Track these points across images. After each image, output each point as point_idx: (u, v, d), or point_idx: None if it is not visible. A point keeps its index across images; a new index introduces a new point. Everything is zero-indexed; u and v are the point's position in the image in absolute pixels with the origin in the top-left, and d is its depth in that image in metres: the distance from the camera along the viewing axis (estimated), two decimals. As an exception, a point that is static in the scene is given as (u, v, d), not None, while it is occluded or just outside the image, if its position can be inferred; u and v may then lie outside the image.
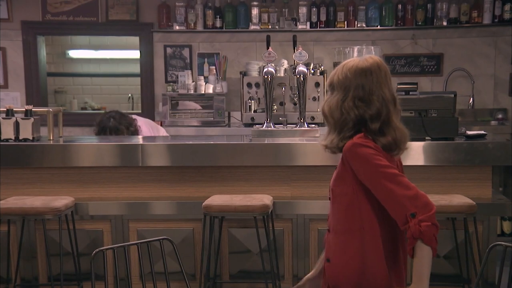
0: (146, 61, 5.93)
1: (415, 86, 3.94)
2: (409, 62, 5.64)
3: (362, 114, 1.99)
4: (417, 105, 3.49)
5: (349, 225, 2.01)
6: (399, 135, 2.02)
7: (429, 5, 5.45)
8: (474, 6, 5.40)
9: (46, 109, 3.90)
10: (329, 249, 2.07)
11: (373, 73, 2.01)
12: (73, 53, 7.39)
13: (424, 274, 1.86)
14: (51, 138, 3.82)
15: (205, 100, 5.50)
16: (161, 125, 5.47)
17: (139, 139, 3.92)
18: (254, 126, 4.06)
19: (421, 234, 1.85)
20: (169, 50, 5.90)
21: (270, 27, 5.58)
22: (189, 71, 5.68)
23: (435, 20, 5.47)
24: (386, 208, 1.95)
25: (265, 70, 3.91)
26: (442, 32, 5.55)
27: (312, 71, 5.21)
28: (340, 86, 2.02)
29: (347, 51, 5.64)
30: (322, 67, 5.34)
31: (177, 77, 5.68)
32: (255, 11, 5.59)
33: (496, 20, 5.35)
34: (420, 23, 5.48)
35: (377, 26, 5.52)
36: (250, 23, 5.60)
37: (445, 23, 5.44)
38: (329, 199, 2.11)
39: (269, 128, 3.89)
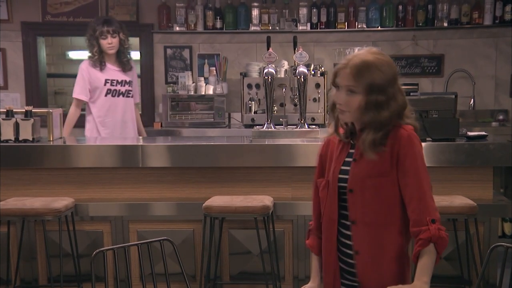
0: (146, 62, 5.92)
1: (416, 87, 3.96)
2: (410, 63, 5.63)
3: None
4: (418, 106, 3.46)
5: (386, 217, 2.01)
6: None
7: (429, 6, 5.44)
8: (475, 7, 5.39)
9: (46, 110, 3.90)
10: (358, 241, 2.03)
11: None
12: (73, 54, 7.37)
13: (429, 274, 1.91)
14: (51, 139, 3.82)
15: (205, 101, 5.49)
16: (161, 126, 5.47)
17: (139, 140, 3.92)
18: (255, 127, 4.06)
19: (439, 239, 1.92)
20: (169, 51, 5.90)
21: (270, 28, 5.57)
22: (189, 72, 5.68)
23: (435, 21, 5.46)
24: (408, 206, 1.98)
25: (265, 71, 3.90)
26: (442, 33, 5.55)
27: (313, 72, 5.20)
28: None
29: (347, 52, 5.63)
30: (322, 68, 5.33)
31: (177, 78, 5.66)
32: (255, 12, 5.58)
33: (497, 21, 5.34)
34: (420, 24, 5.47)
35: (378, 27, 5.51)
36: (251, 24, 5.60)
37: (445, 24, 5.43)
38: (348, 191, 2.04)
39: (270, 129, 3.89)
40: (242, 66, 5.56)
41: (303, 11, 5.51)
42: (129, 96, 4.58)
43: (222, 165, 3.59)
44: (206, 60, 5.75)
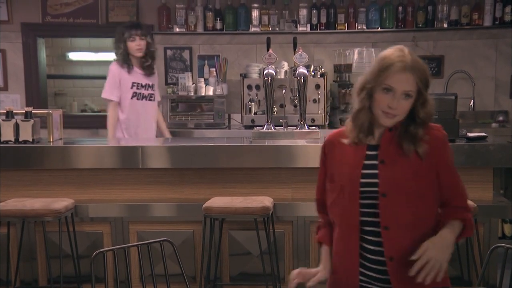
0: (146, 63, 5.91)
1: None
2: (410, 64, 5.61)
3: None
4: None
5: (422, 220, 1.98)
6: None
7: (429, 7, 5.43)
8: (475, 8, 5.39)
9: (46, 111, 3.90)
10: (391, 247, 1.94)
11: None
12: (73, 55, 7.38)
13: (455, 234, 1.99)
14: (51, 140, 3.82)
15: (205, 102, 5.49)
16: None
17: (139, 141, 3.91)
18: (255, 128, 4.06)
19: (470, 227, 2.02)
20: (169, 52, 5.90)
21: (270, 29, 5.57)
22: (189, 73, 5.67)
23: (435, 22, 5.45)
24: (447, 196, 2.01)
25: (265, 72, 3.91)
26: (442, 34, 5.54)
27: (313, 73, 5.20)
28: None
29: (347, 53, 5.65)
30: (322, 69, 5.33)
31: (177, 79, 5.66)
32: (255, 13, 5.58)
33: (497, 22, 5.34)
34: (420, 25, 5.47)
35: (378, 28, 5.51)
36: (250, 25, 5.60)
37: (445, 25, 5.43)
38: (381, 196, 1.94)
39: (270, 130, 3.89)
40: (242, 67, 5.56)
41: (303, 12, 5.51)
42: (151, 100, 4.63)
43: (222, 166, 3.59)
44: (206, 61, 5.75)
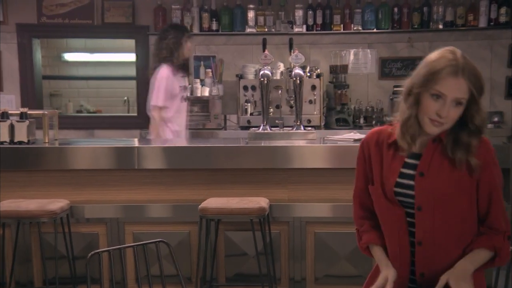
0: (142, 64, 5.90)
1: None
2: (406, 65, 5.63)
3: None
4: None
5: (459, 238, 1.87)
6: None
7: (425, 8, 5.45)
8: (470, 9, 5.41)
9: (42, 112, 3.89)
10: (422, 264, 1.87)
11: None
12: (69, 56, 7.37)
13: (475, 266, 1.86)
14: (47, 141, 3.80)
15: (202, 103, 5.49)
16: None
17: (134, 142, 3.91)
18: (251, 129, 4.06)
19: (505, 258, 1.87)
20: (165, 53, 5.88)
21: (266, 30, 5.57)
22: (185, 74, 5.67)
23: (431, 23, 5.46)
24: (496, 214, 1.87)
25: (261, 72, 3.91)
26: (438, 35, 5.55)
27: (309, 74, 5.21)
28: None
29: (343, 54, 5.66)
30: (318, 70, 5.34)
31: (173, 80, 5.65)
32: (251, 14, 5.58)
33: (492, 24, 5.35)
34: (416, 26, 5.48)
35: (374, 29, 5.52)
36: (246, 26, 5.60)
37: (441, 26, 5.44)
38: (417, 209, 1.85)
39: (266, 131, 3.89)
40: (238, 68, 5.56)
41: (299, 13, 5.51)
42: (186, 101, 4.73)
43: (218, 166, 3.58)
44: (202, 62, 5.74)
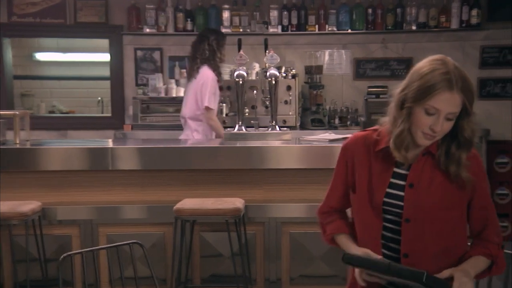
0: (116, 64, 5.85)
1: (386, 89, 3.99)
2: (380, 66, 5.68)
3: None
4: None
5: (448, 252, 1.85)
6: None
7: (398, 10, 5.49)
8: (442, 11, 5.46)
9: (12, 112, 3.82)
10: None
11: None
12: (41, 56, 7.25)
13: (476, 271, 1.85)
14: (18, 142, 3.74)
15: (177, 103, 5.45)
16: (131, 129, 5.42)
17: (109, 143, 3.86)
18: (226, 129, 4.05)
19: (501, 267, 1.88)
20: (139, 53, 5.84)
21: (241, 30, 5.56)
22: (160, 74, 5.63)
23: (404, 25, 5.51)
24: (480, 229, 1.87)
25: (236, 73, 3.90)
26: (411, 37, 5.60)
27: (284, 75, 5.21)
28: None
29: (318, 55, 5.68)
30: (293, 70, 5.35)
31: (148, 80, 5.62)
32: (226, 14, 5.57)
33: (463, 25, 5.42)
34: (390, 27, 5.52)
35: (348, 30, 5.55)
36: (221, 26, 5.57)
37: (414, 28, 5.49)
38: (405, 220, 1.82)
39: (241, 131, 3.88)
40: (213, 68, 5.52)
41: (274, 14, 5.52)
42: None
43: (193, 167, 3.56)
44: (177, 62, 5.72)
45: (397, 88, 1.83)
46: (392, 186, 1.85)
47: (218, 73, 4.52)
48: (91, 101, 7.13)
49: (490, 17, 5.45)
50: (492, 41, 5.54)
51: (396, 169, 1.86)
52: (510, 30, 5.43)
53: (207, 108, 4.42)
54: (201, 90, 4.43)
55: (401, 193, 1.83)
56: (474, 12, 5.36)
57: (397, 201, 1.84)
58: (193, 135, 4.54)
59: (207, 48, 4.49)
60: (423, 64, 1.78)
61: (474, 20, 5.39)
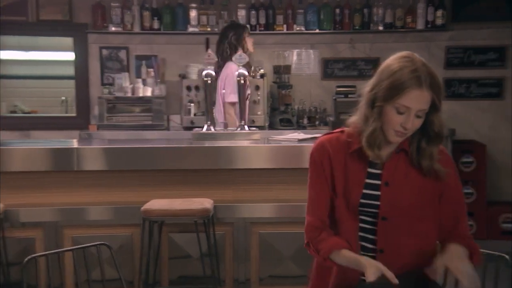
0: (81, 63, 5.75)
1: (354, 89, 4.01)
2: (347, 66, 5.71)
3: None
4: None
5: (422, 246, 1.87)
6: None
7: (365, 10, 5.53)
8: (408, 11, 5.52)
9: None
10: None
11: None
12: (1, 54, 7.05)
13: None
14: (-21, 142, 3.63)
15: (144, 103, 5.38)
16: (97, 129, 5.33)
17: (73, 143, 3.79)
18: (195, 129, 4.01)
19: (478, 259, 1.88)
20: (105, 51, 5.75)
21: (209, 29, 5.52)
22: (126, 74, 5.55)
23: (371, 25, 5.55)
24: (452, 224, 1.88)
25: (204, 72, 3.86)
26: (378, 37, 5.64)
27: (253, 74, 5.19)
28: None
29: (286, 55, 5.68)
30: (262, 70, 5.33)
31: (114, 80, 5.53)
32: (193, 13, 5.52)
33: (429, 26, 5.49)
34: (357, 27, 5.56)
35: (316, 30, 5.56)
36: (189, 25, 5.53)
37: (381, 28, 5.53)
38: (382, 219, 1.84)
39: (210, 131, 3.84)
40: (181, 68, 5.49)
41: (242, 13, 5.50)
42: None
43: (161, 167, 3.51)
44: (143, 62, 5.65)
45: (366, 87, 1.84)
46: (368, 186, 1.86)
47: (244, 65, 4.40)
48: (54, 101, 6.99)
49: (454, 18, 5.54)
50: (457, 42, 5.63)
51: (370, 169, 1.87)
52: (474, 31, 5.54)
53: (231, 103, 4.40)
54: (222, 86, 4.44)
55: (377, 193, 1.85)
56: (439, 13, 5.44)
57: (373, 201, 1.85)
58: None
59: (227, 46, 4.49)
60: (391, 62, 1.79)
61: (439, 21, 5.46)
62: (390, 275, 1.69)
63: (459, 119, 5.48)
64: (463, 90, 5.65)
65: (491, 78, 5.62)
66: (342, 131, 1.92)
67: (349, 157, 1.87)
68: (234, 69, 4.35)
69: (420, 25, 5.50)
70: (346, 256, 1.84)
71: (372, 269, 1.72)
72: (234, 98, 4.32)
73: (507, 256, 2.22)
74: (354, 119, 1.87)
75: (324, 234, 1.90)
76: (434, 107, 1.77)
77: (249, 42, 4.51)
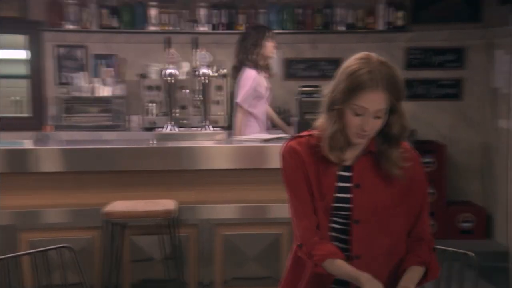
0: (36, 62, 5.58)
1: (318, 88, 4.01)
2: (310, 66, 5.71)
3: None
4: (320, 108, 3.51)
5: (395, 248, 1.87)
6: None
7: (327, 11, 5.54)
8: (369, 12, 5.56)
9: None
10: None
11: None
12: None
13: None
14: None
15: (103, 103, 5.26)
16: (54, 130, 5.18)
17: (30, 144, 3.67)
18: (157, 130, 3.95)
19: (434, 271, 1.90)
20: (61, 50, 5.60)
21: (169, 28, 5.44)
22: (85, 73, 5.41)
23: (333, 25, 5.56)
24: (415, 225, 1.89)
25: (167, 72, 3.81)
26: (340, 37, 5.65)
27: (215, 74, 5.12)
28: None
29: (249, 54, 5.63)
30: (224, 70, 5.28)
31: (71, 79, 5.39)
32: (153, 12, 5.42)
33: (389, 27, 5.54)
34: (319, 27, 5.56)
35: (278, 30, 5.53)
36: (149, 24, 5.43)
37: (342, 29, 5.55)
38: (354, 222, 1.82)
39: (173, 132, 3.78)
40: (141, 67, 5.39)
41: (203, 12, 5.43)
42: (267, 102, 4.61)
43: (123, 168, 3.44)
44: (102, 61, 5.52)
45: (327, 88, 1.83)
46: (340, 189, 1.85)
47: (262, 69, 4.45)
48: (6, 101, 6.75)
49: (414, 19, 5.61)
50: (417, 43, 5.70)
51: (340, 172, 1.85)
52: (434, 32, 5.62)
53: (238, 104, 4.38)
54: (238, 87, 4.43)
55: (349, 195, 1.83)
56: (399, 14, 5.50)
57: (346, 204, 1.84)
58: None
59: (243, 49, 4.46)
60: (349, 63, 1.79)
61: (399, 22, 5.52)
62: None
63: (420, 120, 5.54)
64: (423, 91, 5.73)
65: (450, 79, 5.72)
66: (311, 135, 1.90)
67: (320, 161, 1.85)
68: (251, 74, 4.36)
69: (380, 26, 5.54)
70: (342, 268, 1.80)
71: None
72: (240, 99, 4.34)
73: (472, 254, 2.24)
74: (320, 121, 1.86)
75: (318, 239, 1.86)
76: (392, 108, 1.77)
77: (268, 46, 4.46)
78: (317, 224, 1.86)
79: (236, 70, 4.50)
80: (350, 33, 5.59)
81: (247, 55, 4.41)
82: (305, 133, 1.92)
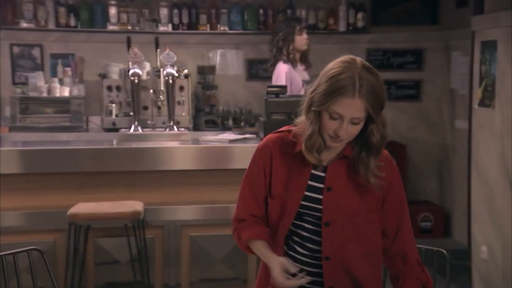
0: (-9, 61, 5.38)
1: (285, 89, 4.00)
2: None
3: None
4: (287, 108, 3.51)
5: (368, 252, 1.85)
6: None
7: (289, 11, 5.54)
8: (330, 13, 5.60)
9: None
10: (331, 278, 1.82)
11: None
12: None
13: None
14: None
15: (61, 103, 5.11)
16: (9, 131, 5.01)
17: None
18: (121, 130, 3.87)
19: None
20: (16, 49, 5.42)
21: (130, 28, 5.34)
22: (41, 73, 5.25)
23: (295, 26, 5.57)
24: (394, 237, 1.87)
25: (131, 71, 3.74)
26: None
27: (177, 75, 5.05)
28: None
29: (210, 55, 5.60)
30: (186, 70, 5.21)
31: (27, 79, 5.22)
32: (113, 11, 5.31)
33: (350, 28, 5.59)
34: (281, 28, 5.55)
35: (240, 30, 5.51)
36: (108, 23, 5.32)
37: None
38: (325, 224, 1.80)
39: (137, 132, 3.71)
40: (101, 67, 5.26)
41: (164, 12, 5.35)
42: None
43: (86, 170, 3.36)
44: (60, 60, 5.37)
45: (309, 87, 1.80)
46: (311, 189, 1.82)
47: (296, 62, 4.42)
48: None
49: (374, 21, 5.68)
50: (377, 44, 5.77)
51: (314, 171, 1.83)
52: (393, 34, 5.70)
53: None
54: (273, 83, 4.38)
55: (320, 196, 1.81)
56: (360, 15, 5.55)
57: (316, 205, 1.81)
58: None
59: (275, 44, 4.44)
60: (332, 65, 1.75)
61: (360, 24, 5.57)
62: (294, 270, 1.74)
63: (380, 120, 5.61)
64: (383, 92, 5.80)
65: (409, 80, 5.81)
66: (289, 131, 1.87)
67: (293, 157, 1.82)
68: (283, 69, 4.34)
69: (342, 27, 5.57)
70: (260, 249, 1.85)
71: (277, 266, 1.75)
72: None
73: (445, 252, 2.30)
74: (301, 119, 1.83)
75: (247, 223, 1.88)
76: (371, 118, 1.73)
77: (299, 40, 4.41)
78: (252, 214, 1.88)
79: (272, 65, 4.50)
80: (312, 34, 5.59)
81: (279, 50, 4.42)
82: (284, 128, 1.90)
